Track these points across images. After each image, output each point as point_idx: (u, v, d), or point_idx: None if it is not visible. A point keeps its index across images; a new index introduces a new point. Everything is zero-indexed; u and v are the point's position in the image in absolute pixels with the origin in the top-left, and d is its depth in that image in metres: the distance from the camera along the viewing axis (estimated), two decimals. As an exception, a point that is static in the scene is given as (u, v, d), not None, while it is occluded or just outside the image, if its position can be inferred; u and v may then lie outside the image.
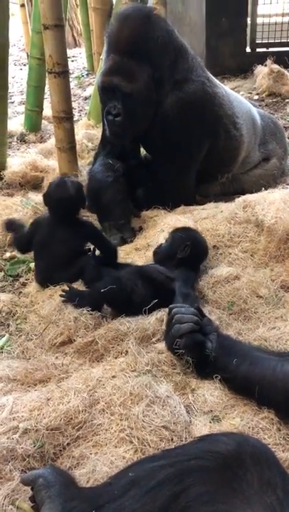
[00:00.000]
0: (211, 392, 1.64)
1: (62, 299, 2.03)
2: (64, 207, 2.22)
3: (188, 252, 2.19)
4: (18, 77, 6.32)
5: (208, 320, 1.83)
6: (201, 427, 1.51)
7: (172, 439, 1.46)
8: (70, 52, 7.20)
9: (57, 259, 2.20)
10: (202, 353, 1.70)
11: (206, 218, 2.58)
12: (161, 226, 2.57)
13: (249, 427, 1.51)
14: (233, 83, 5.52)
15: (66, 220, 2.23)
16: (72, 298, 2.02)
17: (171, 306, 1.84)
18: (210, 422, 1.54)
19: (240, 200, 2.57)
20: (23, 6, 6.68)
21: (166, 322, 1.85)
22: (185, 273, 2.14)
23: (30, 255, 2.58)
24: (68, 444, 1.51)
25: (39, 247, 2.26)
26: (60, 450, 1.50)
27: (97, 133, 3.72)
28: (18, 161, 3.43)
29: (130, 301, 1.99)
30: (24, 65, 6.74)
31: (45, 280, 2.21)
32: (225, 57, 5.77)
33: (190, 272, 2.17)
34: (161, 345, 1.84)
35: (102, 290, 1.96)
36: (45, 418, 1.52)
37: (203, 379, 1.70)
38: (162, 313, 1.95)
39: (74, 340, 1.90)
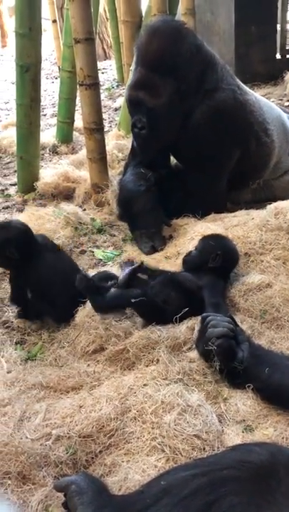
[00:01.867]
0: (243, 402, 1.62)
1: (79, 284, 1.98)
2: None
3: (219, 262, 2.17)
4: (50, 90, 6.47)
5: (240, 329, 1.81)
6: (234, 437, 1.50)
7: (204, 449, 1.45)
8: (100, 64, 7.32)
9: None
10: (233, 360, 1.68)
11: (237, 225, 2.56)
12: (191, 234, 2.57)
13: (283, 437, 1.49)
14: (264, 90, 5.49)
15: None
16: (88, 291, 1.99)
17: (204, 314, 1.83)
18: (242, 432, 1.52)
19: (272, 206, 2.54)
20: (54, 21, 6.85)
21: (199, 329, 1.84)
22: (214, 281, 2.12)
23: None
24: (100, 451, 1.52)
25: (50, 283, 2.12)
26: (92, 457, 1.51)
27: (127, 143, 3.75)
28: (50, 172, 3.50)
29: (163, 312, 1.98)
30: (56, 78, 6.89)
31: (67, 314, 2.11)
32: (254, 64, 5.75)
33: (219, 281, 2.15)
34: (193, 354, 1.83)
35: (132, 300, 1.95)
36: (77, 425, 1.54)
37: (236, 388, 1.68)
38: (193, 322, 1.94)
39: (105, 348, 1.92)
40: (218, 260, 2.17)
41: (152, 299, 1.98)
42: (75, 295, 2.05)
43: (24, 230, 2.13)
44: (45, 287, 2.10)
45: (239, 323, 1.88)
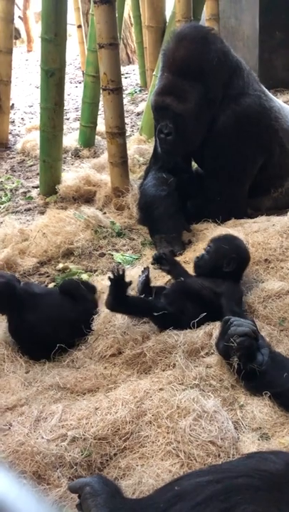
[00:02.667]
0: (260, 409, 1.60)
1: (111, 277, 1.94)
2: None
3: (234, 266, 2.14)
4: (74, 95, 6.53)
5: (260, 336, 1.80)
6: (249, 444, 1.48)
7: (219, 455, 1.44)
8: (124, 69, 7.37)
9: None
10: (253, 361, 1.67)
11: (257, 231, 2.54)
12: (210, 239, 2.56)
13: (299, 447, 1.47)
14: (287, 96, 5.45)
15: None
16: (115, 285, 1.93)
17: (226, 317, 1.82)
18: (258, 440, 1.51)
19: (293, 213, 2.52)
20: (79, 27, 6.92)
21: (220, 330, 1.82)
22: (232, 289, 2.08)
23: (84, 266, 2.65)
24: (115, 454, 1.52)
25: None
26: (107, 460, 1.51)
27: (149, 148, 3.77)
28: (72, 176, 3.54)
29: (179, 321, 1.97)
30: (80, 82, 6.96)
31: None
32: (278, 70, 5.72)
33: (236, 287, 2.12)
34: (210, 359, 1.83)
35: (154, 314, 1.93)
36: (92, 427, 1.54)
37: (252, 395, 1.67)
38: (211, 327, 1.94)
39: (123, 352, 1.92)
40: (233, 264, 2.13)
41: (171, 313, 1.95)
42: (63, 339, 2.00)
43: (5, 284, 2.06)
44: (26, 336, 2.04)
45: (257, 330, 1.87)
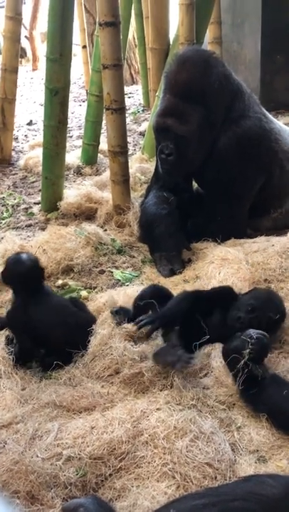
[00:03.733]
0: (257, 431, 1.59)
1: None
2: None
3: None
4: (77, 113, 6.61)
5: None
6: (246, 467, 1.47)
7: (216, 477, 1.43)
8: (127, 89, 7.46)
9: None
10: (260, 362, 1.72)
11: (257, 251, 2.55)
12: (210, 258, 2.57)
13: (297, 471, 1.45)
14: (288, 118, 5.52)
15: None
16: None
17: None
18: (255, 462, 1.49)
19: (293, 234, 2.53)
20: (84, 47, 7.03)
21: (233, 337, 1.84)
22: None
23: (83, 283, 2.65)
24: (110, 474, 1.50)
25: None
26: (102, 480, 1.50)
27: (150, 167, 3.80)
28: (73, 193, 3.56)
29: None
30: (83, 101, 7.05)
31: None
32: (279, 92, 5.81)
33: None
34: (208, 380, 1.82)
35: None
36: (88, 446, 1.53)
37: (250, 417, 1.66)
38: (210, 348, 1.93)
39: (120, 371, 1.90)
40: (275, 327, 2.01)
41: None
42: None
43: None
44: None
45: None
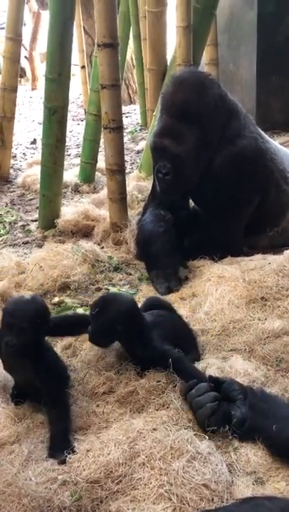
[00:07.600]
0: (254, 452, 1.57)
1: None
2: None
3: None
4: (75, 132, 6.67)
5: (229, 384, 1.74)
6: (244, 489, 1.44)
7: (213, 499, 1.40)
8: (125, 108, 7.54)
9: None
10: (228, 418, 1.64)
11: (254, 269, 2.55)
12: (207, 275, 2.57)
13: (295, 493, 1.43)
14: (283, 138, 5.57)
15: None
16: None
17: (184, 389, 1.77)
18: (253, 484, 1.46)
19: (289, 252, 2.54)
20: (83, 67, 7.13)
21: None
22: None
23: (80, 300, 2.63)
24: (106, 497, 1.47)
25: None
26: (98, 504, 1.46)
27: (148, 185, 3.82)
28: (71, 210, 3.57)
29: None
30: (81, 120, 7.11)
31: None
32: (275, 112, 5.89)
33: None
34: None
35: None
36: (84, 470, 1.50)
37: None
38: (205, 365, 1.92)
39: (115, 390, 1.88)
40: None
41: None
42: None
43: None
44: None
45: (253, 371, 1.85)
